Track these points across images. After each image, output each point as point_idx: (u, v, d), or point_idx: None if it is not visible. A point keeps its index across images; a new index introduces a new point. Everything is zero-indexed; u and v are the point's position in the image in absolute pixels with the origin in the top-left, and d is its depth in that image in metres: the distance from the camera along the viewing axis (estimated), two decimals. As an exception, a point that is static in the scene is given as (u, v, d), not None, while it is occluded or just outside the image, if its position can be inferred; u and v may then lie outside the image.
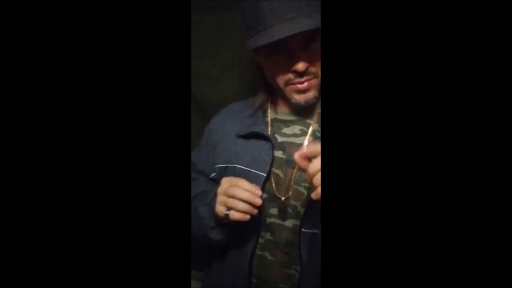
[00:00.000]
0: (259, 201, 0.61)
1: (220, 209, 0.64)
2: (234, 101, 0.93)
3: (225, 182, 0.65)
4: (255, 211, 0.62)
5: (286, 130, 0.72)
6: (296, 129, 0.71)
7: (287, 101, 0.70)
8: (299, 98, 0.67)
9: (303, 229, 0.65)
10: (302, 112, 0.71)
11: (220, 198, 0.64)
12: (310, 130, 0.70)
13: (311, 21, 0.59)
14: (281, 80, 0.67)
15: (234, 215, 0.62)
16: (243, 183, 0.63)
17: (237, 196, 0.62)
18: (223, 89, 1.14)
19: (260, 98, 0.76)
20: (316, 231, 0.65)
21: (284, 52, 0.64)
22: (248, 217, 0.61)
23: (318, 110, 0.70)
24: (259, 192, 0.62)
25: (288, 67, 0.64)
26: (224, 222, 0.67)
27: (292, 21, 0.59)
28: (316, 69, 0.65)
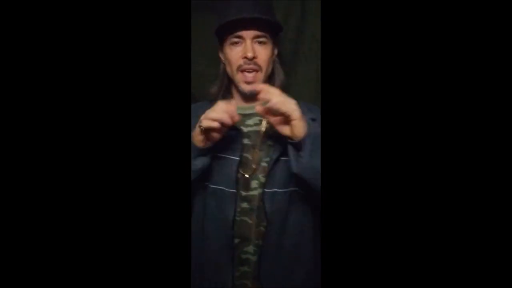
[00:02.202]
0: (227, 120, 0.76)
1: (197, 129, 0.79)
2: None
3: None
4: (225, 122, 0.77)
5: (249, 122, 0.91)
6: (256, 119, 0.91)
7: (239, 93, 0.90)
8: (244, 87, 0.87)
9: (266, 189, 0.85)
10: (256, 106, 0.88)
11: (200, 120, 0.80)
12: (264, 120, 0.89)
13: (262, 15, 0.83)
14: (234, 66, 0.87)
15: (204, 123, 0.77)
16: (218, 105, 0.78)
17: (209, 117, 0.77)
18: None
19: (215, 87, 0.95)
20: (276, 189, 0.85)
21: (240, 44, 0.86)
22: (215, 124, 0.76)
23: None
24: (231, 111, 0.77)
25: (241, 55, 0.86)
26: (203, 151, 0.83)
27: (250, 14, 0.82)
28: (261, 62, 0.86)
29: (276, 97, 0.74)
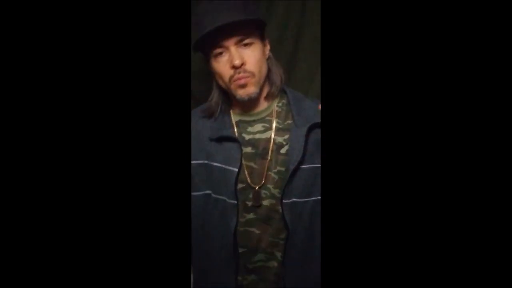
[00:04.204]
0: None
1: None
2: None
3: None
4: None
5: (251, 129, 0.86)
6: (259, 127, 0.86)
7: (238, 101, 0.84)
8: (241, 93, 0.80)
9: (284, 200, 0.81)
10: (260, 112, 0.87)
11: None
12: (273, 126, 0.85)
13: (235, 18, 0.75)
14: (226, 77, 0.81)
15: None
16: None
17: None
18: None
19: (211, 102, 0.89)
20: (294, 199, 0.81)
21: (225, 54, 0.79)
22: None
23: (273, 108, 0.87)
24: None
25: (228, 65, 0.79)
26: None
27: (223, 19, 0.74)
28: (252, 69, 0.79)
29: None
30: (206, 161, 0.86)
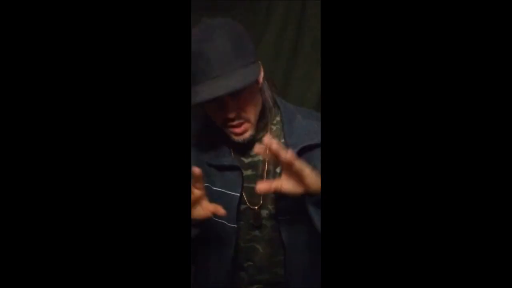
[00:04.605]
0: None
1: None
2: None
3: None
4: None
5: (250, 152, 0.85)
6: (259, 147, 0.83)
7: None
8: (237, 138, 0.79)
9: (279, 217, 0.82)
10: (257, 133, 0.83)
11: None
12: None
13: (230, 82, 0.70)
14: (219, 122, 0.78)
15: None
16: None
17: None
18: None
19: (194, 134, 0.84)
20: (289, 217, 0.82)
21: (216, 102, 0.74)
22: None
23: (269, 127, 0.85)
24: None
25: (221, 114, 0.76)
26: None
27: (214, 81, 0.70)
28: (247, 114, 0.76)
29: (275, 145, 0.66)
30: (207, 184, 0.84)
